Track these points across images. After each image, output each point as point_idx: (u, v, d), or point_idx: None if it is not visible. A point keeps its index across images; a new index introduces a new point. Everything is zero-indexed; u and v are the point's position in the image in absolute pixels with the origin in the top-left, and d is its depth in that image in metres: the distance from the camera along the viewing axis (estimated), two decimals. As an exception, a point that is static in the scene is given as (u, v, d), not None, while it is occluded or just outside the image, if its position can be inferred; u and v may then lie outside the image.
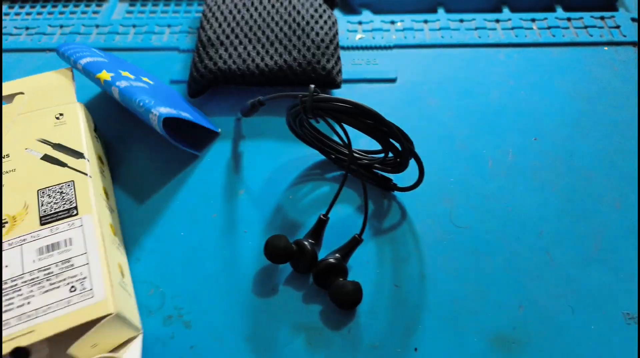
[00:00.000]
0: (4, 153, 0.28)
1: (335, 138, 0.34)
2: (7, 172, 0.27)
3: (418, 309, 0.28)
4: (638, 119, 0.36)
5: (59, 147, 0.28)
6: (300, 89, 0.37)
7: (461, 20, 0.43)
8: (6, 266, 0.23)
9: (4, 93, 0.31)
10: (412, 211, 0.32)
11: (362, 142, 0.35)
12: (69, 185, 0.27)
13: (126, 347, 0.24)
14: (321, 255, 0.29)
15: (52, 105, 0.31)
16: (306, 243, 0.28)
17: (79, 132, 0.29)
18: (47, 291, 0.22)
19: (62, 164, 0.28)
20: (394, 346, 0.27)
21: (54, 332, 0.21)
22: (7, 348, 0.21)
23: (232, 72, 0.36)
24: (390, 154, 0.30)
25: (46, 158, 0.28)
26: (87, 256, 0.24)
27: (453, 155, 0.34)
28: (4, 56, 0.42)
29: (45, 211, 0.25)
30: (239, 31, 0.37)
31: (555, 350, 0.26)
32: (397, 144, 0.34)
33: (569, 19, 0.43)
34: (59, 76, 0.32)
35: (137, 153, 0.35)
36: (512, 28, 0.43)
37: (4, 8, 0.47)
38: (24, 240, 0.24)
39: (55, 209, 0.26)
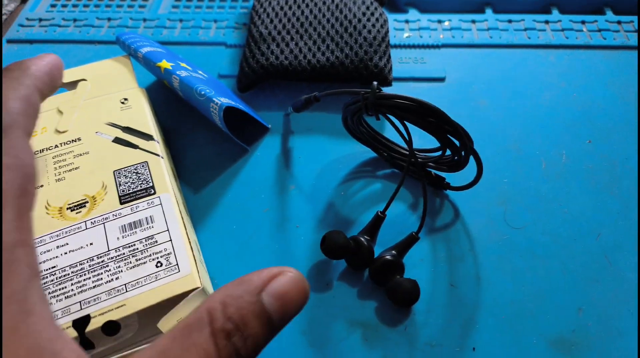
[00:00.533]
0: (75, 137, 0.28)
1: (389, 136, 0.33)
2: (80, 155, 0.28)
3: (475, 309, 0.28)
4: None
5: (128, 130, 0.29)
6: (351, 85, 0.37)
7: (510, 21, 0.43)
8: (91, 243, 0.24)
9: (67, 79, 0.31)
10: (466, 211, 0.32)
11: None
12: (143, 166, 0.27)
13: None
14: (377, 251, 0.29)
15: (115, 91, 0.31)
16: (363, 239, 0.28)
17: (145, 115, 0.30)
18: (134, 267, 0.23)
19: (134, 146, 0.28)
20: (451, 345, 0.26)
21: (145, 305, 0.22)
22: (98, 323, 0.21)
23: (284, 67, 0.36)
24: (448, 152, 0.30)
25: (117, 140, 0.28)
26: (169, 233, 0.24)
27: (505, 156, 0.34)
28: (53, 46, 0.42)
29: (123, 191, 0.26)
30: (290, 27, 0.37)
31: (615, 354, 0.26)
32: (456, 142, 0.34)
33: (619, 22, 0.42)
34: (118, 63, 0.33)
35: (187, 146, 0.35)
36: (562, 29, 0.42)
37: None
38: (106, 218, 0.25)
39: (133, 188, 0.26)
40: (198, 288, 0.23)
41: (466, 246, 0.30)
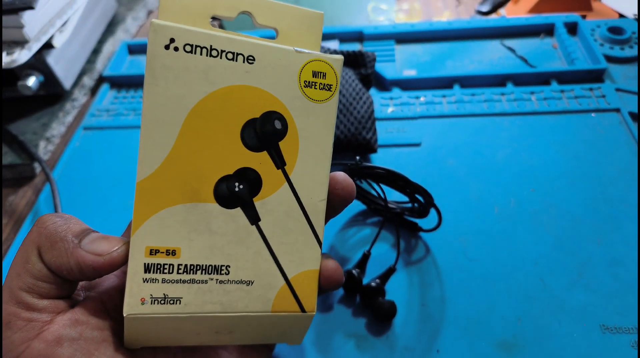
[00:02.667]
0: None
1: (374, 193, 0.44)
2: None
3: (440, 322, 0.37)
4: (627, 173, 0.45)
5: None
6: (346, 155, 0.48)
7: (473, 94, 0.54)
8: None
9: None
10: (435, 248, 0.41)
11: (395, 195, 0.45)
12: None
13: None
14: (365, 281, 0.39)
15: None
16: (354, 272, 0.38)
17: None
18: None
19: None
20: (421, 348, 0.36)
21: None
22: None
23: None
24: (416, 205, 0.40)
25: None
26: None
27: (466, 204, 0.44)
28: (118, 132, 0.55)
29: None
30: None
31: (545, 353, 0.35)
32: (420, 198, 0.44)
33: (562, 91, 0.53)
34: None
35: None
36: (515, 100, 0.52)
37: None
38: None
39: None
40: None
41: (434, 274, 0.40)
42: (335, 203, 0.27)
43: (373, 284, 0.38)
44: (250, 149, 0.25)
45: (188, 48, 0.23)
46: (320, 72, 0.25)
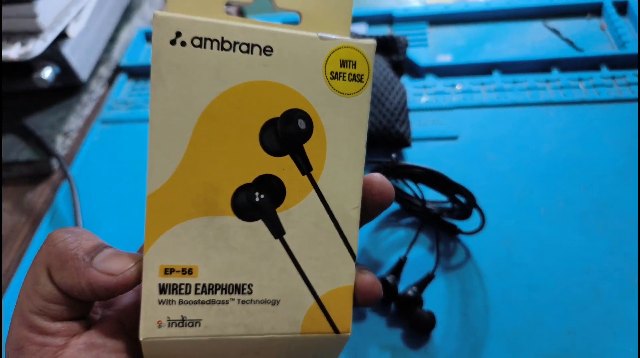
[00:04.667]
0: None
1: (409, 192, 0.41)
2: None
3: (483, 334, 0.34)
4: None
5: None
6: (377, 150, 0.45)
7: (514, 82, 0.50)
8: None
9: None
10: (476, 252, 0.38)
11: (430, 193, 0.42)
12: None
13: None
14: (401, 288, 0.36)
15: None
16: (389, 278, 0.36)
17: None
18: None
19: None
20: (463, 364, 0.33)
21: None
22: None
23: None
24: (456, 205, 0.37)
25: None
26: None
27: (510, 203, 0.41)
28: (137, 125, 0.53)
29: None
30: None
31: (602, 370, 0.32)
32: (461, 199, 0.41)
33: (613, 78, 0.48)
34: None
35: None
36: (561, 87, 0.48)
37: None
38: None
39: None
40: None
41: (476, 282, 0.37)
42: (370, 210, 0.25)
43: (410, 293, 0.35)
44: (271, 154, 0.22)
45: (197, 42, 0.20)
46: (350, 61, 0.22)
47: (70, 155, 0.52)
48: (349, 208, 0.24)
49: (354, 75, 0.23)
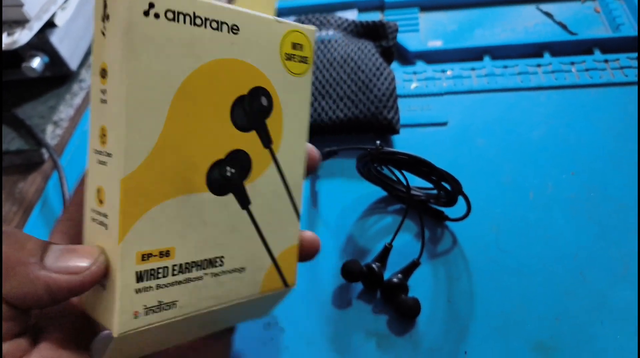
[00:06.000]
0: None
1: (400, 179, 0.41)
2: None
3: (468, 320, 0.34)
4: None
5: None
6: (365, 137, 0.45)
7: (505, 67, 0.49)
8: None
9: None
10: (463, 238, 0.38)
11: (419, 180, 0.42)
12: None
13: None
14: (386, 275, 0.36)
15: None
16: (374, 266, 0.35)
17: None
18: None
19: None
20: (447, 349, 0.33)
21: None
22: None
23: (309, 125, 0.44)
24: (442, 193, 0.37)
25: None
26: None
27: (498, 189, 0.40)
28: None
29: None
30: (313, 90, 0.46)
31: (586, 356, 0.31)
32: (447, 186, 0.40)
33: (606, 61, 0.47)
34: None
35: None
36: (553, 71, 0.48)
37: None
38: None
39: None
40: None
41: (462, 268, 0.36)
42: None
43: (395, 280, 0.35)
44: (240, 130, 0.23)
45: (170, 15, 0.20)
46: (298, 44, 0.25)
47: (61, 144, 0.52)
48: (297, 175, 0.26)
49: (302, 57, 0.25)
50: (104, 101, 0.20)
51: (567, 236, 0.37)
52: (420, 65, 0.51)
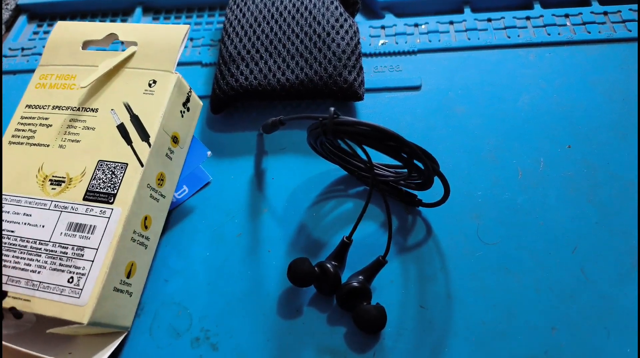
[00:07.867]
0: (94, 106, 0.29)
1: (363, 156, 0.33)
2: (88, 128, 0.28)
3: (445, 331, 0.27)
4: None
5: (135, 120, 0.28)
6: (322, 103, 0.37)
7: (489, 20, 0.42)
8: (43, 226, 0.25)
9: (123, 38, 0.31)
10: (438, 228, 0.31)
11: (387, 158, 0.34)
12: (122, 167, 0.27)
13: (105, 341, 0.26)
14: (345, 276, 0.29)
15: (151, 67, 0.30)
16: (329, 265, 0.28)
17: (159, 109, 0.29)
18: (55, 270, 0.24)
19: (129, 140, 0.28)
20: (420, 370, 0.26)
21: (42, 312, 0.24)
22: (7, 304, 0.24)
23: (254, 88, 0.35)
24: (415, 173, 0.29)
25: (121, 127, 0.28)
26: (96, 253, 0.25)
27: (481, 166, 0.33)
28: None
29: (93, 187, 0.26)
30: (259, 45, 0.37)
31: (589, 375, 0.25)
32: (420, 165, 0.33)
33: (605, 13, 0.41)
34: (173, 33, 0.31)
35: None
36: (544, 26, 0.41)
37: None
38: (65, 207, 0.26)
39: (101, 188, 0.26)
40: (82, 324, 0.23)
41: (437, 265, 0.30)
42: None
43: (355, 283, 0.28)
44: None
45: None
46: None
47: None
48: None
49: None
50: None
51: (564, 225, 0.30)
52: (389, 18, 0.44)
